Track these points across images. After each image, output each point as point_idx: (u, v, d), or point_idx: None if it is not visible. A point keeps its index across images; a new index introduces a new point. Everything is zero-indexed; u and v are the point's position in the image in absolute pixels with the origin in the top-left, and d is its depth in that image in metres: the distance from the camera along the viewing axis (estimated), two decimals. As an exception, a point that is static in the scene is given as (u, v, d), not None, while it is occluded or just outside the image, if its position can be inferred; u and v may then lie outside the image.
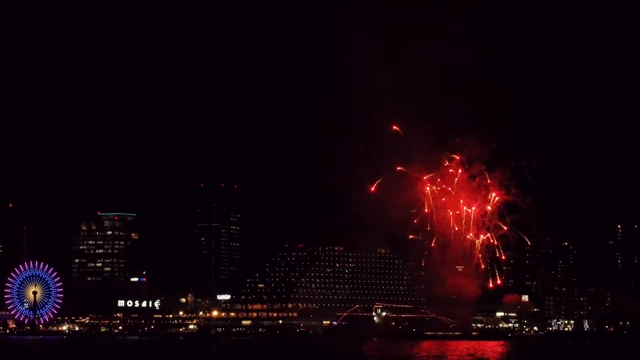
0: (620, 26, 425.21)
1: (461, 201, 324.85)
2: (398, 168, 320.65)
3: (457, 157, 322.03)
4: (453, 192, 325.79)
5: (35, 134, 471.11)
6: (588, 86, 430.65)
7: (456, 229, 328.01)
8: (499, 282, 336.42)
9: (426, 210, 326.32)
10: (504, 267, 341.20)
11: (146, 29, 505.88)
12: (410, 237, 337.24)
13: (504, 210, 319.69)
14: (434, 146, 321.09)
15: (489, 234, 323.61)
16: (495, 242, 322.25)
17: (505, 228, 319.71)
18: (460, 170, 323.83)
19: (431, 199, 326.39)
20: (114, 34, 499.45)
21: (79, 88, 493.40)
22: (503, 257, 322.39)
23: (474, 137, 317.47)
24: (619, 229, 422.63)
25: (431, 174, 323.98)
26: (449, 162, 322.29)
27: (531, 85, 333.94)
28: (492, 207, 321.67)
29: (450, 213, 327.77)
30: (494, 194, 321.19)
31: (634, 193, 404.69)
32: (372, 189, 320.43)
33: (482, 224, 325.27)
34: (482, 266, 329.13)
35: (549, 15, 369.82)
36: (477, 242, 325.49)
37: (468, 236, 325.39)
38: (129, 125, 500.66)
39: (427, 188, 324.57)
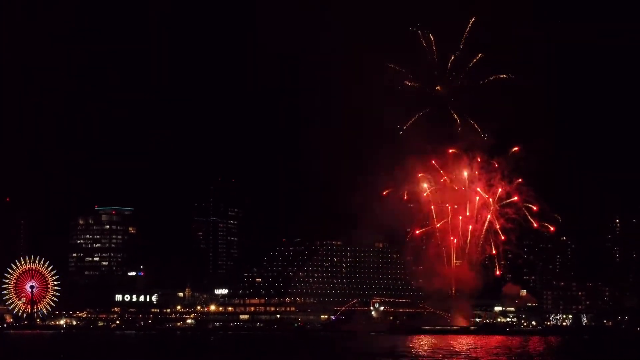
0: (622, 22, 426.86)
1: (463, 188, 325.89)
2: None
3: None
4: (455, 187, 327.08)
5: (32, 128, 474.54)
6: (588, 80, 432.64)
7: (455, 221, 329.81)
8: (498, 272, 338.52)
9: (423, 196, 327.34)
10: (502, 261, 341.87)
11: (144, 24, 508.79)
12: (410, 235, 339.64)
13: (505, 201, 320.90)
14: (433, 137, 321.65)
15: (487, 226, 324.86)
16: (495, 235, 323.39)
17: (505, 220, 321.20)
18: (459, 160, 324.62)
19: (429, 192, 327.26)
20: (112, 31, 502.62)
21: (76, 84, 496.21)
22: (502, 238, 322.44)
23: (475, 126, 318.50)
24: (617, 223, 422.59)
25: (430, 165, 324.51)
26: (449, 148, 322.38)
27: (531, 78, 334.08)
28: (492, 199, 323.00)
29: (448, 206, 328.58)
30: (494, 185, 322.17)
31: (633, 188, 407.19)
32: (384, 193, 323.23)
33: (480, 216, 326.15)
34: (481, 260, 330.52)
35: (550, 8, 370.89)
36: (475, 234, 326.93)
37: (468, 226, 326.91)
38: (126, 120, 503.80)
39: (426, 184, 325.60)
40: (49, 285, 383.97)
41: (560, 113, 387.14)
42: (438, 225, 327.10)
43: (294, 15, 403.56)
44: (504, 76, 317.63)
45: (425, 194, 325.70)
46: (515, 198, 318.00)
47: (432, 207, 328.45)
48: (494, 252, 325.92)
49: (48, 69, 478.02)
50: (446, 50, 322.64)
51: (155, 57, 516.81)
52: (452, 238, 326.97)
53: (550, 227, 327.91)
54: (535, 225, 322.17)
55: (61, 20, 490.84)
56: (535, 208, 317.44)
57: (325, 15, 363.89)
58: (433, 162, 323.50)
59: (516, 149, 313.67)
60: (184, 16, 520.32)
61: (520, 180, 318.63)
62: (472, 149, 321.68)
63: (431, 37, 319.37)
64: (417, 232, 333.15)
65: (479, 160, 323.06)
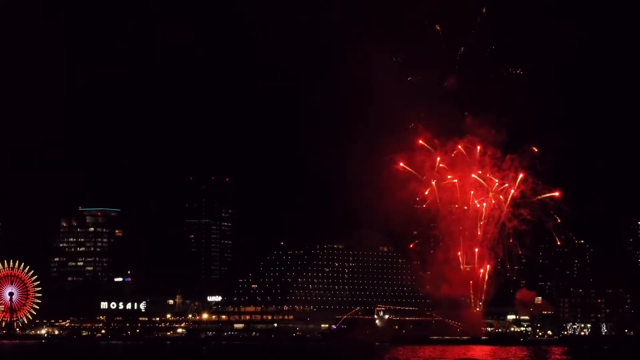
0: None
1: (472, 192, 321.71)
2: (401, 164, 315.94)
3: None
4: (464, 186, 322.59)
5: (11, 126, 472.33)
6: (607, 79, 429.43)
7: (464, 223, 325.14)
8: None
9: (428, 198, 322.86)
10: (516, 267, 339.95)
11: (137, 19, 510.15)
12: (415, 234, 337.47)
13: (519, 201, 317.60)
14: (441, 133, 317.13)
15: (500, 229, 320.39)
16: (509, 238, 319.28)
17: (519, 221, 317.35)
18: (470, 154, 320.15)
19: (436, 190, 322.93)
20: (105, 26, 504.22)
21: (60, 81, 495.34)
22: (519, 252, 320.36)
23: (487, 119, 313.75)
24: (639, 226, 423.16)
25: (437, 163, 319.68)
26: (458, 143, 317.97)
27: (546, 74, 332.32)
28: (505, 199, 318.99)
29: (457, 206, 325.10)
30: (506, 185, 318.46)
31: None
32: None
33: (492, 217, 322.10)
34: (493, 265, 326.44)
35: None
36: (487, 238, 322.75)
37: (478, 231, 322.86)
38: (113, 115, 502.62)
39: (434, 182, 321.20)
40: (29, 292, 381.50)
41: (577, 108, 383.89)
42: (442, 237, 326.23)
43: (293, 10, 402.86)
44: (518, 71, 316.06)
45: (429, 196, 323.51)
46: (557, 194, 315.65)
47: (439, 208, 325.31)
48: (508, 266, 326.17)
49: (31, 66, 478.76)
50: (455, 43, 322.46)
51: (148, 54, 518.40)
52: (459, 228, 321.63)
53: (575, 239, 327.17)
54: (559, 242, 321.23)
55: (51, 13, 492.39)
56: (559, 220, 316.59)
57: (326, 8, 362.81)
58: (439, 158, 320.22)
59: (535, 150, 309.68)
60: (179, 13, 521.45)
61: (536, 180, 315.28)
62: (482, 145, 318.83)
63: (438, 28, 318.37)
64: (411, 245, 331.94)
65: (490, 157, 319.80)
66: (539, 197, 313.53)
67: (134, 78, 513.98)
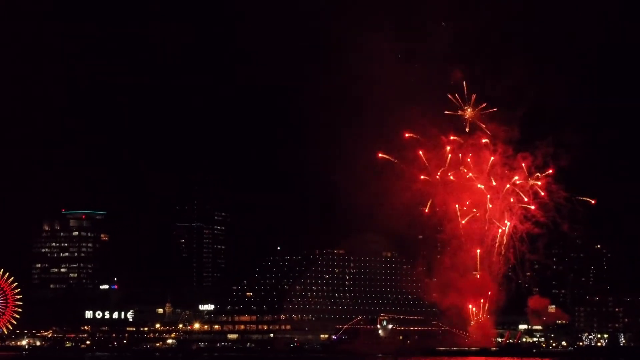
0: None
1: (482, 189, 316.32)
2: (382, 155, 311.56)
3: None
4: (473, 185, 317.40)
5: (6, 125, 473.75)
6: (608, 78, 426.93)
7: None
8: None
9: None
10: (528, 273, 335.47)
11: (137, 19, 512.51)
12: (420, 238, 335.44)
13: (531, 202, 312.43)
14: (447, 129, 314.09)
15: (509, 232, 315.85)
16: (519, 243, 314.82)
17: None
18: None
19: (443, 192, 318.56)
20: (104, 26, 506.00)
21: (49, 73, 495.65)
22: (531, 257, 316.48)
23: (497, 116, 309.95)
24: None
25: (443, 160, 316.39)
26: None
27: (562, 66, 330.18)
28: (517, 200, 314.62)
29: (465, 208, 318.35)
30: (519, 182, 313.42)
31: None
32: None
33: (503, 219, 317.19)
34: (504, 270, 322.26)
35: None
36: (497, 242, 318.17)
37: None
38: (98, 112, 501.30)
39: (438, 177, 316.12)
40: (9, 301, 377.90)
41: (595, 101, 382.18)
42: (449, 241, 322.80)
43: (293, 10, 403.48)
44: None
45: (436, 198, 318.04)
46: (593, 201, 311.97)
47: (446, 209, 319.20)
48: (519, 272, 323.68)
49: (15, 68, 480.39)
50: (462, 36, 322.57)
51: (147, 54, 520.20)
52: (468, 231, 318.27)
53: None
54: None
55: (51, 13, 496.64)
56: (577, 232, 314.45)
57: (326, 7, 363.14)
58: (449, 147, 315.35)
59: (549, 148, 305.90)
60: (179, 13, 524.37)
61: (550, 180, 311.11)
62: (493, 141, 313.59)
63: (443, 24, 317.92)
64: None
65: (501, 155, 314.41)
66: (573, 199, 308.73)
67: (133, 78, 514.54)
